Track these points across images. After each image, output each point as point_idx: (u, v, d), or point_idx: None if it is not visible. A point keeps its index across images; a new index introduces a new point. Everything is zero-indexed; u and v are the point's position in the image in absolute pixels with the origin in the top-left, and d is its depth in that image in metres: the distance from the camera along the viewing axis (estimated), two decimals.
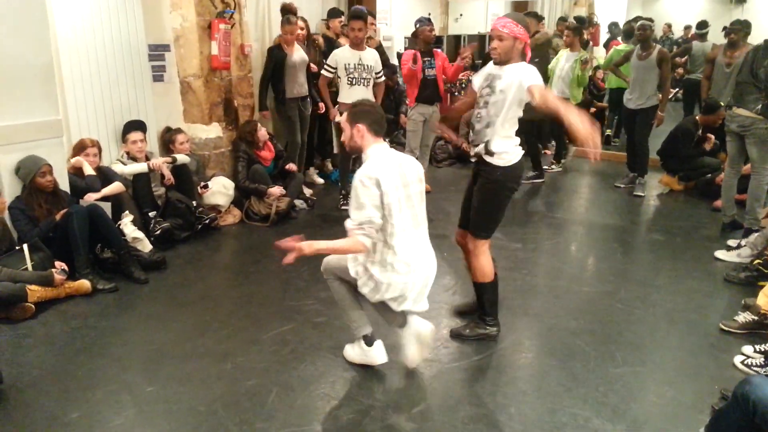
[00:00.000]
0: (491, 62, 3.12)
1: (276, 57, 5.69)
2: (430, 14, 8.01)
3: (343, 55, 5.31)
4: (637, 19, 8.34)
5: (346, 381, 2.94)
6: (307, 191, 5.99)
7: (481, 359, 3.13)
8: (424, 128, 5.88)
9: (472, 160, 3.24)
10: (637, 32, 6.20)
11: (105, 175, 4.41)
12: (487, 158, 3.07)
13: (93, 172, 4.34)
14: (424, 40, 5.79)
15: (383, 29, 8.00)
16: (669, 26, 14.73)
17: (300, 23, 5.98)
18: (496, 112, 3.01)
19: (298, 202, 5.62)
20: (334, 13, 6.64)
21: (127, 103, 4.95)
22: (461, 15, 9.33)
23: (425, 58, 5.71)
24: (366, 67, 5.29)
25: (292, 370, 3.00)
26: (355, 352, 3.06)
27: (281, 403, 2.73)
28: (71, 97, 4.54)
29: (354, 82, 5.28)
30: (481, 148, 3.08)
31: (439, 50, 5.97)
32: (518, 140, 3.14)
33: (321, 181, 6.56)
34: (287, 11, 5.76)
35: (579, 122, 2.64)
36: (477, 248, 3.22)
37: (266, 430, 2.55)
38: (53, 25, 4.29)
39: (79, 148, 4.42)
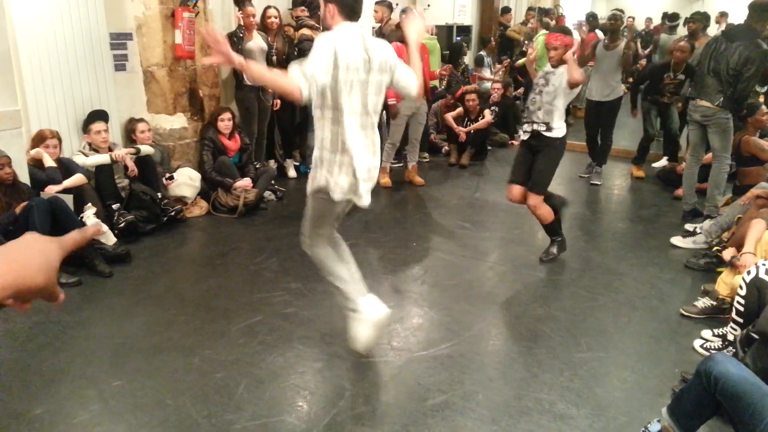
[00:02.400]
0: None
1: (234, 41, 5.61)
2: (397, 4, 7.96)
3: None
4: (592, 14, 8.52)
5: (315, 371, 2.94)
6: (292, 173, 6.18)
7: (449, 347, 3.17)
8: (412, 122, 5.90)
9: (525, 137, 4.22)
10: (608, 22, 6.29)
11: (66, 167, 4.31)
12: (547, 133, 4.09)
13: (53, 164, 4.23)
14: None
15: None
16: (632, 19, 15.00)
17: (272, 12, 5.92)
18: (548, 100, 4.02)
19: (268, 194, 5.57)
20: (296, 3, 6.58)
21: (88, 93, 4.84)
22: (429, 5, 9.33)
23: None
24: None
25: (261, 361, 2.99)
26: (362, 328, 2.87)
27: (250, 395, 2.72)
28: (30, 87, 4.42)
29: None
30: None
31: (424, 43, 5.97)
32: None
33: (294, 174, 6.50)
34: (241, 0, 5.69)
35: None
36: (538, 200, 4.16)
37: (235, 422, 2.54)
38: (10, 12, 4.16)
39: (39, 140, 4.31)
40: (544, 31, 7.00)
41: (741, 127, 5.16)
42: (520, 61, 8.50)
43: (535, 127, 4.09)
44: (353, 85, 2.66)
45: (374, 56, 2.73)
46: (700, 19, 6.76)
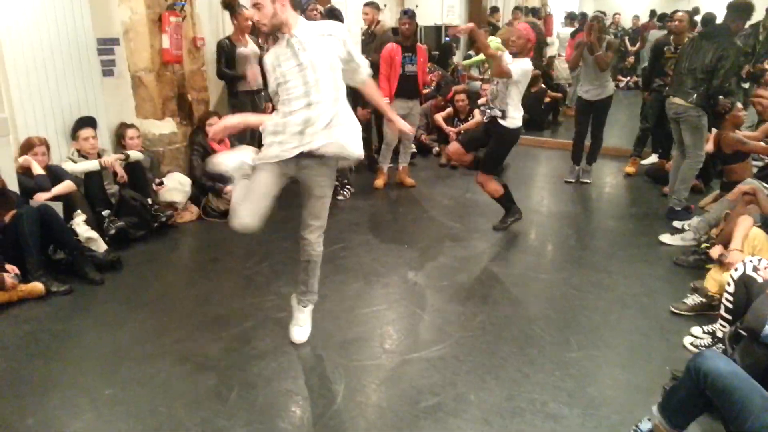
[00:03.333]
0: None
1: (225, 49, 5.61)
2: (385, 5, 7.98)
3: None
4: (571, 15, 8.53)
5: (308, 376, 2.95)
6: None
7: (441, 349, 3.18)
8: (406, 123, 5.91)
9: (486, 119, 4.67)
10: (591, 23, 6.29)
11: (55, 174, 4.29)
12: (501, 121, 4.52)
13: (42, 171, 4.21)
14: (402, 33, 5.82)
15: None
16: (618, 15, 15.09)
17: (248, 14, 5.90)
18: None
19: None
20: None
21: (76, 99, 4.81)
22: (417, 6, 9.34)
23: (406, 54, 5.75)
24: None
25: (254, 367, 3.00)
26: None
27: (243, 401, 2.72)
28: (17, 95, 4.38)
29: None
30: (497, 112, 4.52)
31: (422, 45, 5.98)
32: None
33: None
34: (232, 4, 5.67)
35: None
36: (485, 178, 4.74)
37: (228, 428, 2.54)
38: None
39: (27, 147, 4.28)
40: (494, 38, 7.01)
41: (717, 125, 5.23)
42: (465, 62, 8.55)
43: (492, 112, 4.53)
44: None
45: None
46: (682, 17, 6.81)
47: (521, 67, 4.41)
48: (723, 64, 4.72)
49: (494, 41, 6.18)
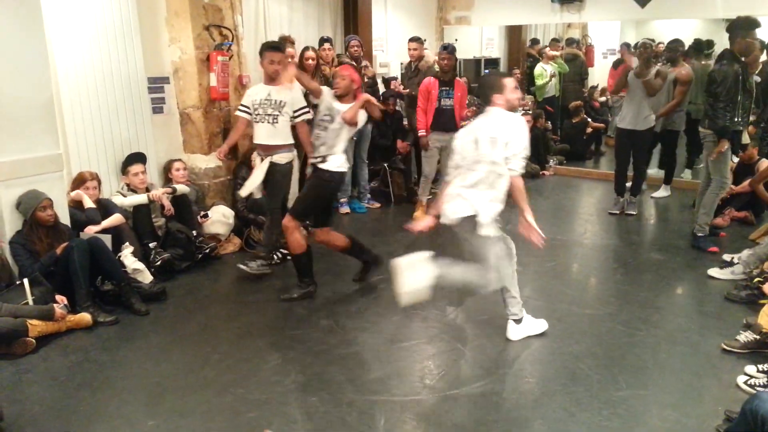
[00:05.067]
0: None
1: None
2: (425, 39, 8.07)
3: (253, 91, 4.64)
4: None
5: (347, 411, 2.92)
6: None
7: (483, 385, 3.12)
8: (442, 156, 5.95)
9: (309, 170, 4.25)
10: (638, 50, 6.25)
11: (105, 208, 4.44)
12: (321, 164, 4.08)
13: (93, 205, 4.37)
14: (441, 68, 5.90)
15: (380, 56, 8.10)
16: (662, 44, 14.89)
17: (310, 53, 5.94)
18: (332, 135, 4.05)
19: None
20: (321, 41, 6.69)
21: (126, 135, 5.00)
22: (456, 40, 9.43)
23: (443, 88, 5.81)
24: (273, 102, 4.45)
25: (294, 401, 2.99)
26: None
27: None
28: (71, 131, 4.59)
29: (258, 119, 4.49)
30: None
31: (461, 80, 6.02)
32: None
33: None
34: (284, 42, 5.82)
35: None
36: (290, 223, 4.12)
37: None
38: (54, 61, 4.36)
39: (79, 181, 4.46)
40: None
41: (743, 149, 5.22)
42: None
43: (314, 161, 4.14)
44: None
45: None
46: (676, 47, 6.69)
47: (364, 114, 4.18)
48: (714, 87, 4.74)
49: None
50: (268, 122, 4.47)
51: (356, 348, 3.52)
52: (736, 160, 5.55)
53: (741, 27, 4.75)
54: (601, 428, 2.74)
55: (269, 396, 3.03)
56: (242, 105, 4.64)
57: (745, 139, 5.27)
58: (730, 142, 4.85)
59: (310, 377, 3.21)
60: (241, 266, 4.57)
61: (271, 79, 4.48)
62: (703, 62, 7.37)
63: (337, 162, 4.10)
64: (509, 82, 3.40)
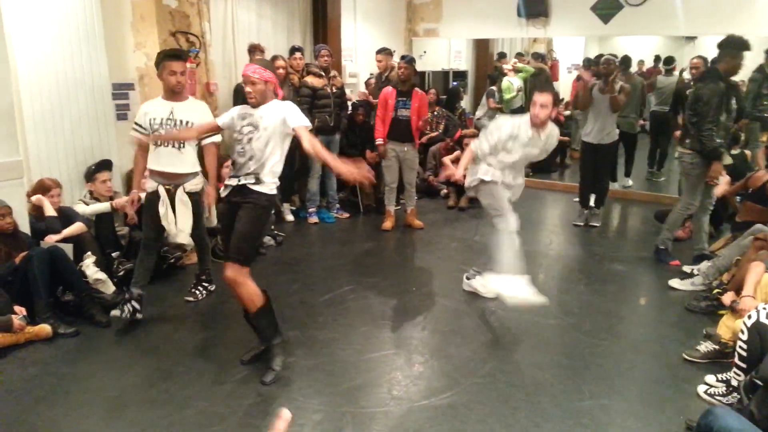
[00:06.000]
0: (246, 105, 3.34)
1: (242, 93, 5.70)
2: (394, 50, 8.11)
3: (151, 107, 3.97)
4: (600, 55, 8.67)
5: (314, 424, 2.90)
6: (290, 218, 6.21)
7: (450, 396, 3.13)
8: (404, 167, 5.98)
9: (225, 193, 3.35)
10: (601, 66, 6.36)
11: (66, 216, 4.33)
12: (255, 186, 3.22)
13: (54, 213, 4.26)
14: (399, 78, 5.90)
15: (348, 66, 8.12)
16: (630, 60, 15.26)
17: (280, 62, 5.92)
18: (260, 147, 3.20)
19: (267, 239, 5.58)
20: (292, 50, 6.67)
21: (90, 142, 4.90)
22: (425, 52, 9.51)
23: (400, 98, 5.82)
24: (178, 122, 3.87)
25: (259, 413, 2.95)
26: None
27: None
28: (32, 138, 4.48)
29: (160, 143, 3.89)
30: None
31: (419, 91, 6.03)
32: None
33: (291, 219, 6.51)
34: (253, 50, 5.80)
35: (339, 164, 3.05)
36: (239, 272, 3.15)
37: None
38: (14, 65, 4.26)
39: (40, 189, 4.34)
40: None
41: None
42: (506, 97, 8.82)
43: (243, 180, 3.21)
44: None
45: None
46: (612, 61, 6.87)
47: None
48: (700, 105, 4.66)
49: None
50: (173, 146, 3.88)
51: (324, 359, 3.50)
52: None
53: (732, 46, 4.64)
54: None
55: (234, 409, 2.99)
56: (136, 123, 3.97)
57: (727, 160, 5.19)
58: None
59: (276, 389, 3.17)
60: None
61: (174, 93, 3.89)
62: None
63: (272, 182, 3.26)
64: (537, 98, 3.98)
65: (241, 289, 3.16)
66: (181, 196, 3.96)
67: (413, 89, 5.93)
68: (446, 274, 4.99)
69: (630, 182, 8.11)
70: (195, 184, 4.05)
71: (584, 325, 3.99)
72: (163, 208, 3.91)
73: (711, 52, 6.84)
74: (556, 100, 4.34)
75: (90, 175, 4.74)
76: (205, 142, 4.10)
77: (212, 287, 4.48)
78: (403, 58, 6.05)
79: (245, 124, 3.24)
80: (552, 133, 4.18)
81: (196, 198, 4.08)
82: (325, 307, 4.29)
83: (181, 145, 3.91)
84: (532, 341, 3.79)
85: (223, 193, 3.35)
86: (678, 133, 6.11)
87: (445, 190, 7.53)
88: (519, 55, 10.21)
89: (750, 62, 5.32)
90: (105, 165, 4.77)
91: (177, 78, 3.84)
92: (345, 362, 3.48)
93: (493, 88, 9.51)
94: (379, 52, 6.88)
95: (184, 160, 3.96)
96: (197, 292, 4.41)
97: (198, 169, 4.09)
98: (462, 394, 3.15)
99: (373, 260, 5.32)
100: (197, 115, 3.90)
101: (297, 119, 3.16)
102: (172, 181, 3.94)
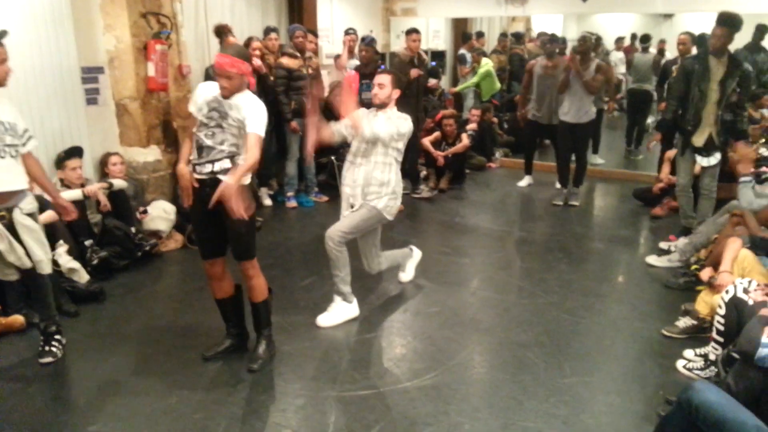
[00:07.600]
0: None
1: (209, 77, 5.60)
2: (372, 31, 8.02)
3: None
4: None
5: (297, 408, 2.88)
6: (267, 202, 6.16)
7: (434, 377, 3.12)
8: None
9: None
10: (577, 44, 6.34)
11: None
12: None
13: None
14: (360, 61, 5.78)
15: (326, 47, 7.99)
16: (601, 38, 15.30)
17: (255, 44, 5.86)
18: (233, 131, 2.99)
19: None
20: (267, 30, 6.54)
21: (59, 127, 4.75)
22: (402, 32, 9.41)
23: (363, 81, 5.70)
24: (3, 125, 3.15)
25: (241, 400, 2.92)
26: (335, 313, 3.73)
27: None
28: None
29: None
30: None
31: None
32: None
33: (269, 203, 6.43)
34: (222, 31, 5.67)
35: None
36: (255, 267, 3.22)
37: None
38: None
39: None
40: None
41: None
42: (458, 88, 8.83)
43: (217, 167, 2.98)
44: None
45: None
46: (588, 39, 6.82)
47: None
48: (670, 79, 4.83)
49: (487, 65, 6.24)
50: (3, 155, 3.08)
51: (305, 344, 3.47)
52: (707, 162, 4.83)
53: (731, 24, 4.38)
54: (549, 416, 2.79)
55: (216, 396, 2.95)
56: None
57: (698, 142, 4.66)
58: (683, 141, 4.73)
59: (258, 375, 3.13)
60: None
61: None
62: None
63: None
64: (376, 78, 3.91)
65: (254, 281, 3.23)
66: (21, 219, 3.16)
67: (376, 71, 5.85)
68: (427, 256, 4.96)
69: (599, 160, 8.11)
70: (30, 203, 3.25)
71: (565, 304, 4.01)
72: (4, 242, 3.10)
73: (690, 29, 6.88)
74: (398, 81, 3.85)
75: (60, 162, 4.61)
76: (24, 149, 3.28)
77: (64, 340, 3.41)
78: (362, 40, 5.96)
79: (212, 109, 3.02)
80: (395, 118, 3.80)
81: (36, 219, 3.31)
82: (305, 291, 4.25)
83: (16, 152, 3.18)
84: (513, 320, 3.80)
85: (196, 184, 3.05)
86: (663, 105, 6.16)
87: (424, 172, 7.49)
88: (503, 36, 10.20)
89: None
90: (75, 152, 4.63)
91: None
92: (327, 346, 3.46)
93: (463, 51, 9.45)
94: (346, 32, 6.86)
95: (12, 174, 3.14)
96: (53, 349, 3.31)
97: (27, 186, 3.26)
98: (445, 374, 3.15)
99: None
100: (12, 113, 3.32)
101: (254, 126, 2.92)
102: (3, 203, 3.11)
